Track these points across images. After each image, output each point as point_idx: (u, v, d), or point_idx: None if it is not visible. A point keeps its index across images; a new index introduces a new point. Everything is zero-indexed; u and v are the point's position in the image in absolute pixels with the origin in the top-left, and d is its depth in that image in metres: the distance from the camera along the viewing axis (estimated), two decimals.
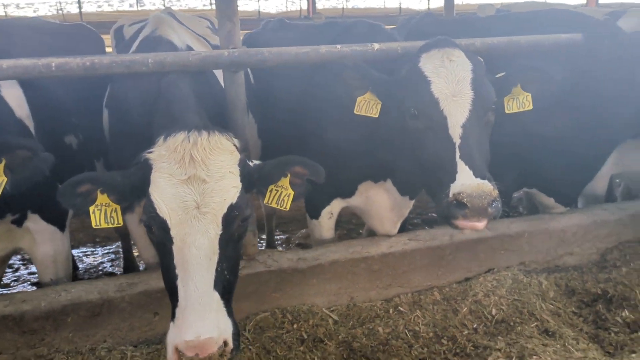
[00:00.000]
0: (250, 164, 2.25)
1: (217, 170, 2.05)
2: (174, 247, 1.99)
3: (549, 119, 3.37)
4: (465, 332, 3.01)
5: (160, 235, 2.01)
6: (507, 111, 2.78)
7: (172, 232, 1.97)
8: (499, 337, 2.90)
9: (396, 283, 3.29)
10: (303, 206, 3.45)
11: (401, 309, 3.15)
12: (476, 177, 2.35)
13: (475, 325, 3.06)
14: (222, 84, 3.07)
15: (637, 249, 3.58)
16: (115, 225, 2.18)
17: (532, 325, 2.99)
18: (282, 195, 2.34)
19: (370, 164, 3.26)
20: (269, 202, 2.34)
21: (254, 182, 2.26)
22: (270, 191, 2.33)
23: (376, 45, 2.83)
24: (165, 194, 2.00)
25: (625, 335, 2.95)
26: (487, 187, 2.31)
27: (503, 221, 3.58)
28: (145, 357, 2.72)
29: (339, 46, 2.82)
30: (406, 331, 3.01)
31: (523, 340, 2.78)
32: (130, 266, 4.58)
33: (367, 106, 2.77)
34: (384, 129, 2.96)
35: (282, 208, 2.34)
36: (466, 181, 2.34)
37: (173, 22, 3.31)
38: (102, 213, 2.14)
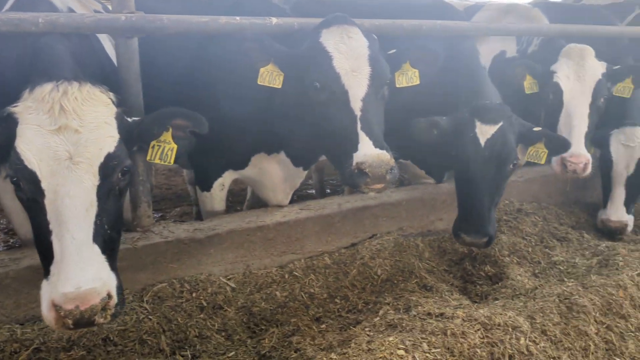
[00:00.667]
0: (129, 119, 2.19)
1: (91, 120, 1.97)
2: (46, 201, 1.87)
3: (417, 98, 3.69)
4: (356, 291, 3.26)
5: (30, 189, 1.89)
6: (397, 85, 3.04)
7: (43, 185, 1.87)
8: (386, 294, 3.19)
9: (290, 250, 3.44)
10: (175, 185, 3.46)
11: (296, 273, 3.31)
12: (376, 147, 2.57)
13: (363, 285, 3.32)
14: (109, 52, 2.97)
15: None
16: None
17: (413, 282, 3.33)
18: (165, 150, 2.32)
19: (264, 135, 3.36)
20: (152, 159, 2.32)
21: (134, 139, 2.20)
22: (153, 147, 2.30)
23: (274, 20, 2.93)
24: (34, 144, 1.88)
25: (489, 286, 3.40)
26: (385, 156, 2.54)
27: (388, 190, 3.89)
28: (38, 334, 2.59)
29: (238, 18, 2.87)
30: (302, 294, 3.18)
31: (407, 295, 3.09)
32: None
33: (270, 77, 2.86)
34: (281, 101, 3.07)
35: (167, 163, 2.32)
36: (367, 151, 2.55)
37: None
38: None
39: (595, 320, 2.81)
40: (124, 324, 2.72)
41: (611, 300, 2.94)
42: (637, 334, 2.86)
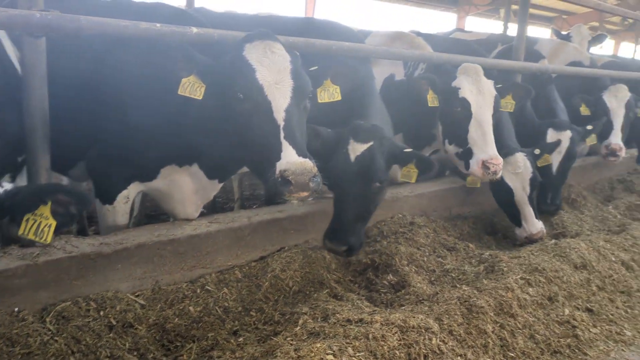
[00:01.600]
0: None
1: None
2: None
3: (322, 112, 3.85)
4: (270, 303, 3.27)
5: None
6: (319, 101, 3.17)
7: None
8: (300, 304, 3.23)
9: (200, 264, 3.36)
10: None
11: (208, 287, 3.25)
12: (299, 155, 2.64)
13: (277, 297, 3.34)
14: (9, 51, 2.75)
15: (390, 226, 4.32)
16: None
17: (324, 292, 3.41)
18: (41, 226, 2.16)
19: (176, 147, 3.29)
20: (25, 234, 2.15)
21: (4, 209, 2.05)
22: (27, 220, 2.15)
23: (194, 29, 2.90)
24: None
25: (392, 294, 3.59)
26: (308, 164, 2.62)
27: (292, 204, 3.96)
28: None
29: (158, 25, 2.80)
30: (217, 308, 3.13)
31: (322, 304, 3.15)
32: None
33: (191, 88, 2.84)
34: (198, 112, 3.03)
35: (42, 241, 2.17)
36: (290, 159, 2.62)
37: None
38: None
39: (491, 320, 3.11)
40: (27, 347, 2.47)
41: (502, 302, 3.26)
42: (524, 330, 3.19)
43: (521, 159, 4.57)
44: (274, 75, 2.79)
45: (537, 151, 4.74)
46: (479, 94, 4.19)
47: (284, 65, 2.83)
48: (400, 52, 4.28)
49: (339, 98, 3.26)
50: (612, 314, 3.66)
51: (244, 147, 2.85)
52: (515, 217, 4.77)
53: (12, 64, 2.75)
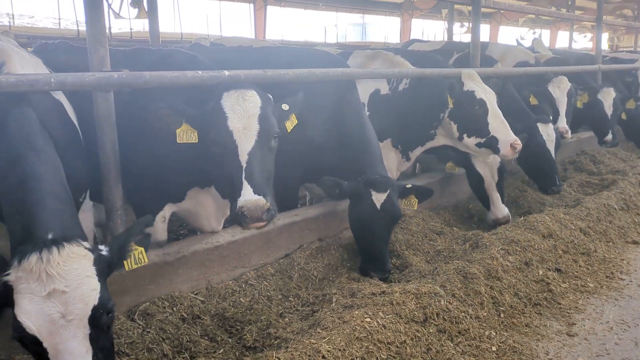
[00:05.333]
0: (104, 252, 2.44)
1: (74, 278, 2.18)
2: (50, 357, 2.14)
3: (319, 137, 4.54)
4: (303, 289, 3.95)
5: (34, 348, 2.17)
6: (288, 131, 3.72)
7: (45, 344, 2.11)
8: (326, 288, 3.93)
9: (240, 264, 4.01)
10: None
11: (251, 282, 3.90)
12: (255, 193, 3.13)
13: (306, 285, 4.03)
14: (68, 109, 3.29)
15: None
16: None
17: (344, 277, 4.11)
18: (136, 256, 2.63)
19: (195, 173, 3.85)
20: (130, 267, 2.61)
21: (113, 265, 2.48)
22: (126, 259, 2.58)
23: (226, 72, 3.54)
24: (30, 313, 2.09)
25: (399, 274, 4.32)
26: (261, 201, 3.11)
27: (305, 208, 4.66)
28: None
29: (200, 72, 3.44)
30: (261, 297, 3.78)
31: (347, 285, 3.87)
32: None
33: (186, 135, 3.40)
34: (200, 148, 3.56)
35: (143, 264, 2.66)
36: (247, 197, 3.12)
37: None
38: None
39: (483, 283, 3.87)
40: (130, 337, 3.09)
41: (489, 268, 4.03)
42: (509, 289, 3.96)
43: None
44: (243, 122, 3.28)
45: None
46: (487, 93, 5.04)
47: (254, 111, 3.33)
48: (381, 71, 5.04)
49: (296, 122, 3.79)
50: (576, 272, 4.49)
51: (220, 181, 3.47)
52: (483, 202, 5.60)
53: (74, 124, 3.28)
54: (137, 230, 2.61)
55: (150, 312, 3.36)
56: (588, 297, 4.17)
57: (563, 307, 3.99)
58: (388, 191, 4.15)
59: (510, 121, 5.19)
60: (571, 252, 4.72)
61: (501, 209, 5.48)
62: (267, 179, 3.36)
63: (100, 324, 2.21)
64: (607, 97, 7.71)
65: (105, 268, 2.38)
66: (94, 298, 2.19)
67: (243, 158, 3.26)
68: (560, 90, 7.02)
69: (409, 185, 4.44)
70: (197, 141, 3.46)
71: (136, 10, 9.77)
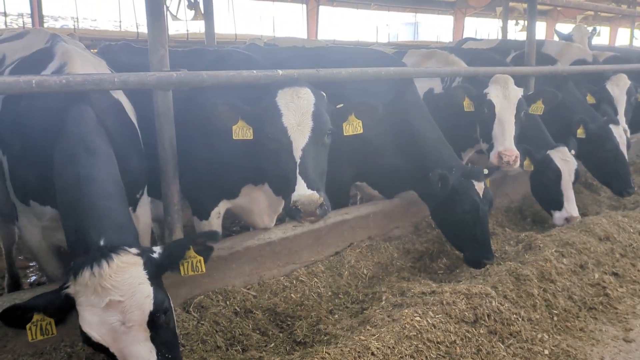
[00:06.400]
0: (155, 255, 2.50)
1: (128, 288, 2.29)
2: (118, 359, 2.32)
3: (374, 137, 4.56)
4: (353, 287, 4.00)
5: (104, 352, 2.33)
6: (344, 134, 3.72)
7: (112, 350, 2.29)
8: (377, 286, 3.96)
9: (291, 261, 4.09)
10: None
11: (302, 279, 3.97)
12: (309, 188, 3.18)
13: (356, 283, 4.07)
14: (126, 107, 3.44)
15: (429, 220, 5.02)
16: (50, 336, 2.37)
17: (394, 276, 4.13)
18: (194, 263, 2.68)
19: (250, 170, 3.92)
20: (186, 273, 2.67)
21: (164, 268, 2.57)
22: (182, 264, 2.65)
23: (280, 72, 3.62)
24: (93, 323, 2.26)
25: (448, 274, 4.30)
26: (315, 196, 3.16)
27: (355, 206, 4.70)
28: None
29: (255, 71, 3.54)
30: (312, 294, 3.85)
31: (396, 284, 3.88)
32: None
33: (242, 132, 3.49)
34: (256, 146, 3.64)
35: (199, 272, 2.70)
36: (301, 192, 3.17)
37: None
38: (38, 327, 2.34)
39: (536, 285, 3.80)
40: (185, 329, 3.22)
41: (543, 270, 3.96)
42: (563, 292, 3.88)
43: (567, 151, 5.30)
44: (297, 118, 3.36)
45: (572, 151, 5.42)
46: (505, 99, 4.91)
47: (307, 108, 3.40)
48: (433, 70, 5.04)
49: (361, 131, 3.76)
50: (634, 276, 4.35)
51: (274, 176, 3.55)
52: (555, 201, 5.35)
53: (132, 122, 3.41)
54: (197, 240, 2.68)
55: (205, 304, 3.48)
56: None
57: (620, 312, 3.88)
58: (484, 179, 4.32)
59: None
60: (629, 255, 4.57)
61: (575, 208, 5.31)
62: (320, 175, 3.42)
63: (159, 325, 2.34)
64: None
65: (157, 270, 2.48)
66: (149, 304, 2.31)
67: (297, 154, 3.33)
68: (619, 88, 6.77)
69: (486, 171, 4.49)
70: (252, 137, 3.55)
71: (192, 12, 10.02)
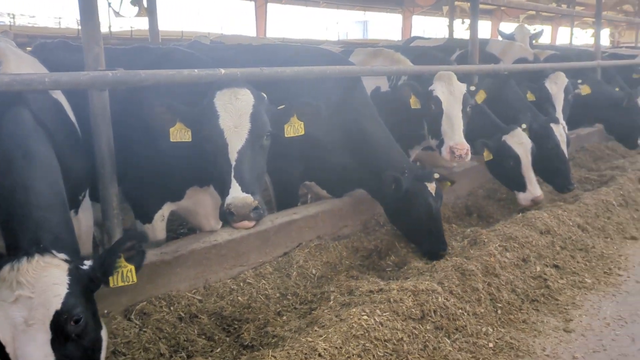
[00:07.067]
0: (85, 266, 2.40)
1: (41, 285, 2.20)
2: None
3: (322, 136, 4.55)
4: (301, 287, 3.96)
5: (1, 352, 2.18)
6: (286, 135, 3.64)
7: (7, 350, 2.13)
8: (325, 286, 3.94)
9: (238, 263, 4.02)
10: None
11: (249, 281, 3.90)
12: (243, 192, 3.11)
13: (305, 283, 4.03)
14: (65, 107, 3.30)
15: (385, 216, 5.06)
16: None
17: (343, 275, 4.12)
18: (124, 273, 2.56)
19: (194, 172, 3.85)
20: (116, 284, 2.55)
21: (96, 280, 2.45)
22: (111, 277, 2.52)
23: (222, 70, 3.54)
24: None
25: (397, 271, 4.31)
26: (249, 199, 3.10)
27: (304, 206, 4.67)
28: None
29: (196, 70, 3.45)
30: (260, 296, 3.79)
31: (345, 283, 3.87)
32: None
33: (180, 134, 3.41)
34: (197, 147, 3.54)
35: (130, 283, 2.58)
36: (234, 195, 3.12)
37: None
38: None
39: (481, 280, 3.87)
40: (126, 337, 3.11)
41: (487, 265, 4.03)
42: (506, 286, 3.96)
43: (522, 132, 5.48)
44: (234, 120, 3.29)
45: (523, 126, 5.59)
46: (450, 94, 5.00)
47: (246, 110, 3.34)
48: (379, 69, 5.05)
49: (302, 132, 3.71)
50: (574, 268, 4.49)
51: (212, 179, 3.50)
52: (517, 183, 5.54)
53: (73, 122, 3.28)
54: (123, 245, 2.54)
55: (147, 311, 3.37)
56: (585, 293, 4.17)
57: (560, 303, 3.99)
58: (434, 179, 4.46)
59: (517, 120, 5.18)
60: (569, 248, 4.72)
61: (537, 188, 5.49)
62: (257, 178, 3.36)
63: (65, 331, 2.19)
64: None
65: (86, 282, 2.37)
66: (56, 303, 2.18)
67: (233, 156, 3.27)
68: (557, 86, 7.00)
69: (437, 175, 4.59)
70: (190, 140, 3.46)
71: (136, 8, 9.77)
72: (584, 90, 7.45)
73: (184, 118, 3.43)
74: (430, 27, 36.70)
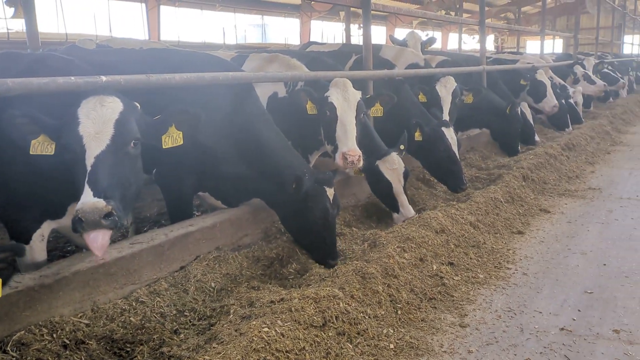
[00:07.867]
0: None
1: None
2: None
3: (214, 146, 4.42)
4: (200, 302, 3.79)
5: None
6: (164, 147, 3.50)
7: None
8: (226, 299, 3.80)
9: (130, 281, 3.77)
10: None
11: (143, 299, 3.67)
12: (94, 197, 2.91)
13: (204, 298, 3.87)
14: None
15: (279, 225, 4.98)
16: None
17: (244, 286, 4.00)
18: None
19: (73, 187, 3.53)
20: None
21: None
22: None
23: (104, 78, 3.31)
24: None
25: (299, 279, 4.27)
26: (100, 204, 2.88)
27: (201, 217, 4.49)
28: None
29: (73, 78, 3.19)
30: (154, 314, 3.57)
31: (245, 294, 3.76)
32: None
33: (41, 147, 3.18)
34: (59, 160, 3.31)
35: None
36: (85, 200, 2.92)
37: None
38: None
39: (381, 282, 3.91)
40: None
41: (386, 267, 4.08)
42: (405, 286, 4.04)
43: (396, 157, 5.50)
44: (96, 127, 3.14)
45: (402, 147, 5.68)
46: (345, 101, 5.04)
47: (110, 116, 3.20)
48: (272, 75, 4.96)
49: (181, 142, 3.59)
50: (467, 264, 4.69)
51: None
52: (392, 205, 5.65)
53: None
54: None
55: (26, 341, 3.06)
56: (478, 288, 4.35)
57: (456, 299, 4.13)
58: (334, 185, 4.44)
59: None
60: (462, 245, 4.92)
61: (410, 210, 5.58)
62: (117, 184, 3.13)
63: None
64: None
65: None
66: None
67: (89, 162, 3.08)
68: (446, 89, 7.35)
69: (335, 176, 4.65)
70: (52, 153, 3.23)
71: (12, 9, 9.03)
72: (468, 99, 7.87)
73: (49, 130, 3.20)
74: (329, 32, 37.41)
